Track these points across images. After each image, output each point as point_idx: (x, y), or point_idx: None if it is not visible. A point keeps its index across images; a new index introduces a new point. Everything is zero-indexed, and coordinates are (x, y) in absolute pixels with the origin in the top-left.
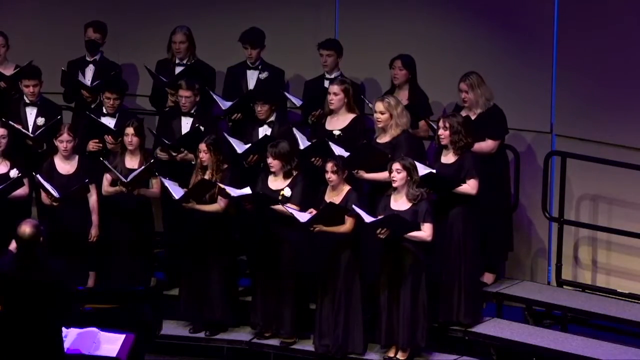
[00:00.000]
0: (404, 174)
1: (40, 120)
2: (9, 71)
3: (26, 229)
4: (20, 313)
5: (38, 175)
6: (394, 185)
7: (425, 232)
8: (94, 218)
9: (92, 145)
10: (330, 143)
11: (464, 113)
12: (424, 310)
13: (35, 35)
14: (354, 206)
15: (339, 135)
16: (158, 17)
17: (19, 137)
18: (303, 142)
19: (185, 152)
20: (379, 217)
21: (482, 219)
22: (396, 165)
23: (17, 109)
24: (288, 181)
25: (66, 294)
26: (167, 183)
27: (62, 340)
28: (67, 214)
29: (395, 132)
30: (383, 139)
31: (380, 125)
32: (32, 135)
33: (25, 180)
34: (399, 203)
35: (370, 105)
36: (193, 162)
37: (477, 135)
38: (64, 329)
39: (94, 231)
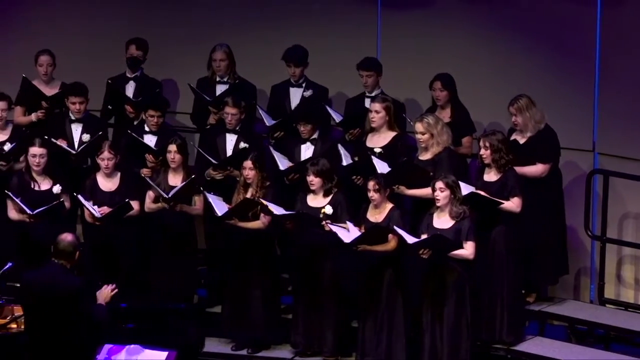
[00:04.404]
0: (447, 192)
1: (86, 137)
2: (54, 89)
3: (62, 239)
4: (41, 326)
5: (79, 196)
6: (437, 203)
7: (468, 250)
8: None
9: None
10: (373, 159)
11: (515, 136)
12: (467, 328)
13: (77, 53)
14: (396, 227)
15: (380, 153)
16: (198, 34)
17: (62, 154)
18: (346, 159)
19: (232, 169)
20: (422, 239)
21: (533, 241)
22: (439, 184)
23: (62, 125)
24: (328, 199)
25: (81, 311)
26: (211, 198)
27: (91, 355)
28: (109, 231)
29: (436, 149)
30: (425, 156)
31: (422, 145)
32: (74, 152)
33: (68, 196)
34: (442, 221)
35: (411, 123)
36: (238, 179)
37: (526, 159)
38: (106, 345)
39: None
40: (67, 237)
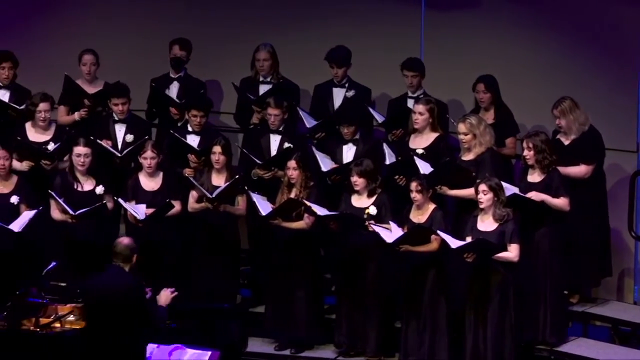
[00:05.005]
0: (490, 195)
1: (129, 137)
2: (97, 89)
3: (118, 242)
4: (101, 328)
5: (120, 199)
6: (481, 206)
7: (512, 252)
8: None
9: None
10: (416, 159)
11: (560, 137)
12: (511, 329)
13: (120, 52)
14: (439, 232)
15: (422, 154)
16: (242, 34)
17: (106, 155)
18: (390, 158)
19: (276, 169)
20: (465, 242)
21: (576, 242)
22: (482, 187)
23: (106, 126)
24: (372, 199)
25: (142, 311)
26: (256, 198)
27: (144, 356)
28: (152, 231)
29: (479, 150)
30: (467, 156)
31: (465, 146)
32: (119, 154)
33: (111, 197)
34: (486, 224)
35: (454, 124)
36: (282, 179)
37: (570, 160)
38: (149, 345)
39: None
40: (124, 240)
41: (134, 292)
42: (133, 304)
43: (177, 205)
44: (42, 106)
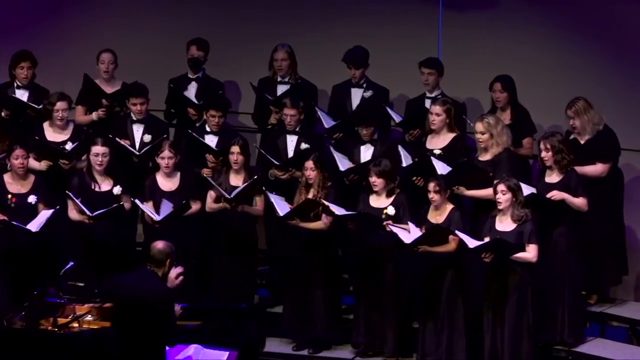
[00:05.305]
0: (509, 195)
1: (147, 138)
2: (115, 88)
3: (153, 246)
4: (126, 330)
5: (137, 200)
6: (499, 207)
7: (530, 253)
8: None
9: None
10: (433, 159)
11: (575, 136)
12: (529, 330)
13: (138, 52)
14: (457, 232)
15: (439, 154)
16: (260, 34)
17: (124, 154)
18: (406, 160)
19: (293, 170)
20: (483, 242)
21: (594, 242)
22: (501, 187)
23: (124, 126)
24: (390, 199)
25: (166, 316)
26: (274, 198)
27: (165, 357)
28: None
29: (496, 150)
30: (484, 157)
31: (481, 145)
32: (137, 153)
33: (128, 197)
34: (504, 224)
35: (471, 124)
36: (300, 180)
37: (587, 159)
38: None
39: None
40: (158, 244)
41: (163, 301)
42: (160, 311)
43: (195, 206)
44: (60, 105)
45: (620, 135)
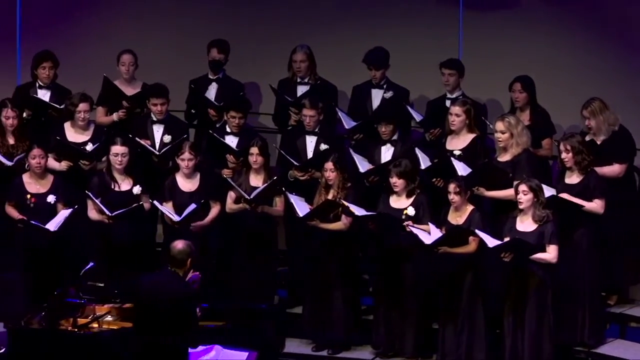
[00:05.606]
0: (530, 195)
1: (167, 138)
2: (136, 89)
3: (173, 246)
4: (149, 331)
5: (156, 202)
6: (520, 207)
7: (550, 253)
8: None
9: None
10: (453, 160)
11: (588, 138)
12: (549, 331)
13: (159, 53)
14: (477, 231)
15: (459, 155)
16: (279, 35)
17: (144, 154)
18: (424, 162)
19: (313, 171)
20: (503, 242)
21: (612, 242)
22: (522, 187)
23: (144, 126)
24: (410, 200)
25: (188, 316)
26: (293, 199)
27: (187, 357)
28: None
29: (516, 151)
30: (504, 157)
31: (501, 145)
32: (157, 152)
33: (148, 197)
34: (525, 224)
35: (491, 126)
36: (319, 180)
37: (604, 159)
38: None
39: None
40: (178, 244)
41: (187, 302)
42: (183, 312)
43: (215, 209)
44: (82, 106)
45: (636, 134)
